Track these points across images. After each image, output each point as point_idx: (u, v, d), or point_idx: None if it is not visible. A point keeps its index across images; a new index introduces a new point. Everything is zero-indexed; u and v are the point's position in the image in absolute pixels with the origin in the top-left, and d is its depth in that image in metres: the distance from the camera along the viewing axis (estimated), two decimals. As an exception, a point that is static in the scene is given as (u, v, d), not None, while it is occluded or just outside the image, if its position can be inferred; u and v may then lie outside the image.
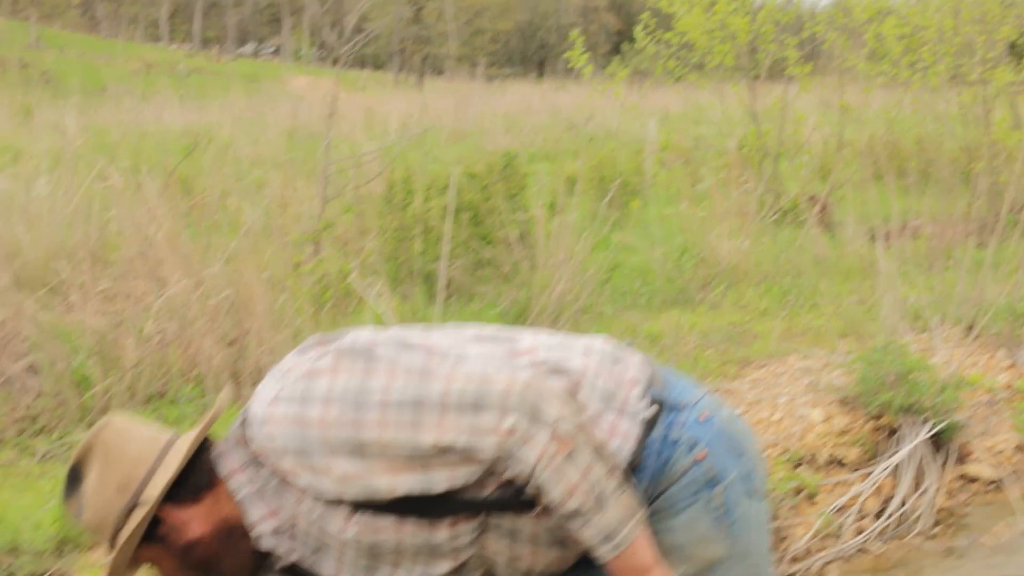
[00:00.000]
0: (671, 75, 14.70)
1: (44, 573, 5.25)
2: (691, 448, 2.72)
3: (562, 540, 2.71)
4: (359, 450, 2.52)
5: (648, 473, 2.69)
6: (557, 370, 2.67)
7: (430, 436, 2.50)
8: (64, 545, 5.40)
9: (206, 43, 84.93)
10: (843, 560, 6.29)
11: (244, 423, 2.69)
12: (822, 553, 6.25)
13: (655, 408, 2.72)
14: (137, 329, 7.37)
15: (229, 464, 2.71)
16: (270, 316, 7.33)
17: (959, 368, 7.46)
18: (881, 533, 6.50)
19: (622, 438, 2.67)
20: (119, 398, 6.92)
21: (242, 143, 15.57)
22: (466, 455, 2.51)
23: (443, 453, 2.52)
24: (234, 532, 2.71)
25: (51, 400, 6.97)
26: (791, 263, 10.61)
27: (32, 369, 7.23)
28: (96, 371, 7.05)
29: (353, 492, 2.55)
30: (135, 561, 2.73)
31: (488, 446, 2.49)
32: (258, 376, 6.90)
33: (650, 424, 2.70)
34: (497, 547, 2.69)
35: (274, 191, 10.88)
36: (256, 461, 2.67)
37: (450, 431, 2.49)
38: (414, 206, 9.34)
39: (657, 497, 2.71)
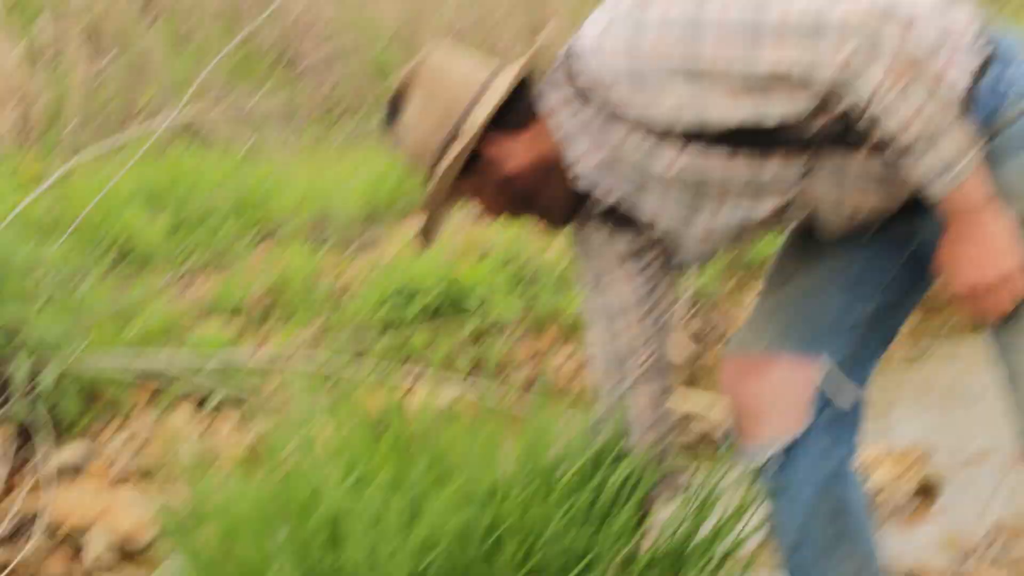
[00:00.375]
0: None
1: (355, 239, 5.40)
2: (1021, 97, 2.61)
3: (890, 181, 2.62)
4: (694, 76, 2.45)
5: (976, 121, 2.59)
6: (894, 4, 2.57)
7: (766, 63, 2.42)
8: (373, 215, 5.54)
9: None
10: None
11: (569, 58, 2.61)
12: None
13: (991, 48, 2.61)
14: (435, 18, 7.40)
15: (551, 100, 2.64)
16: (569, 9, 7.27)
17: None
18: None
19: (958, 74, 2.56)
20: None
21: None
22: (801, 84, 2.43)
23: (778, 81, 2.43)
24: (553, 169, 2.67)
25: (351, 87, 7.08)
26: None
27: (333, 56, 7.34)
28: (394, 59, 7.11)
29: (685, 121, 2.49)
30: (453, 193, 2.71)
31: (824, 76, 2.40)
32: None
33: (983, 67, 2.60)
34: (823, 187, 2.63)
35: None
36: (582, 96, 2.59)
37: (787, 58, 2.41)
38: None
39: (984, 146, 2.61)
